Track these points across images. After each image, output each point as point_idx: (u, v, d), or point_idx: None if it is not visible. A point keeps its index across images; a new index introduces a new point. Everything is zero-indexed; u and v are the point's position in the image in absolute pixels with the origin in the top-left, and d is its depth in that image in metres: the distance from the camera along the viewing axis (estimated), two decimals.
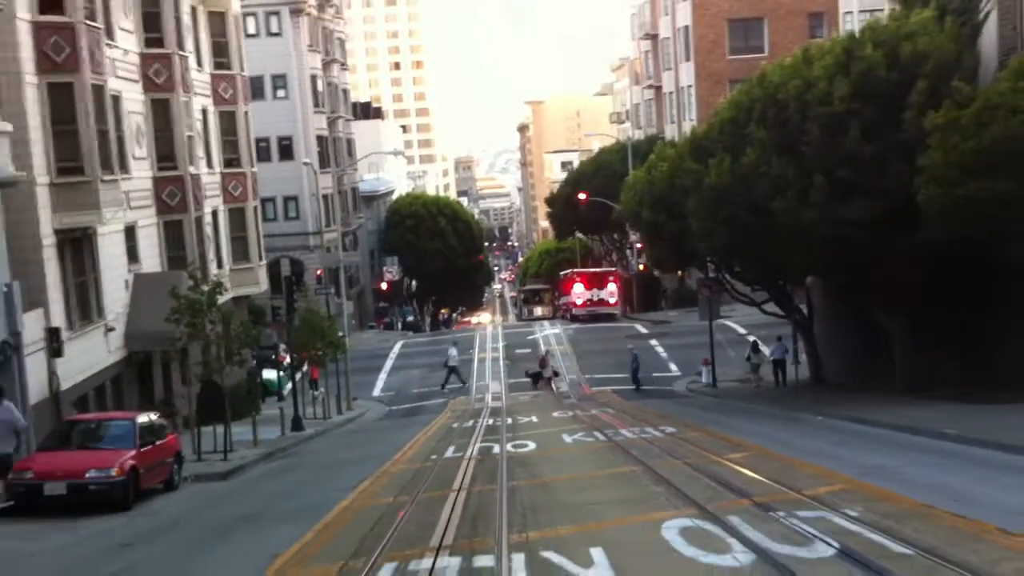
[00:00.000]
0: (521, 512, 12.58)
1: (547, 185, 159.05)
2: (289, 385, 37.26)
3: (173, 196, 33.50)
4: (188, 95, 34.56)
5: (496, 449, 21.14)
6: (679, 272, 62.75)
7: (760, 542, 9.82)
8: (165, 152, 33.34)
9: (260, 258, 42.95)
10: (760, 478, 14.12)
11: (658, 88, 76.29)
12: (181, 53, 33.96)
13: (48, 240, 25.09)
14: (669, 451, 18.64)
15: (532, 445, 21.70)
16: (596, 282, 65.23)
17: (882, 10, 42.44)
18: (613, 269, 70.27)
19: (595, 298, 64.21)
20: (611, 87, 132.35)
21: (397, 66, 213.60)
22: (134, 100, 31.53)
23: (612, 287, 65.11)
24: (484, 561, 9.91)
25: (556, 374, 43.81)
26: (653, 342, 52.86)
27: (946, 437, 18.59)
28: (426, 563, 9.90)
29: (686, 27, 66.34)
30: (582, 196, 67.42)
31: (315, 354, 38.27)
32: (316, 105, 65.19)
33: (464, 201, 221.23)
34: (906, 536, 9.81)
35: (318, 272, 61.72)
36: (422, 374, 49.75)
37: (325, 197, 65.44)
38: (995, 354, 26.75)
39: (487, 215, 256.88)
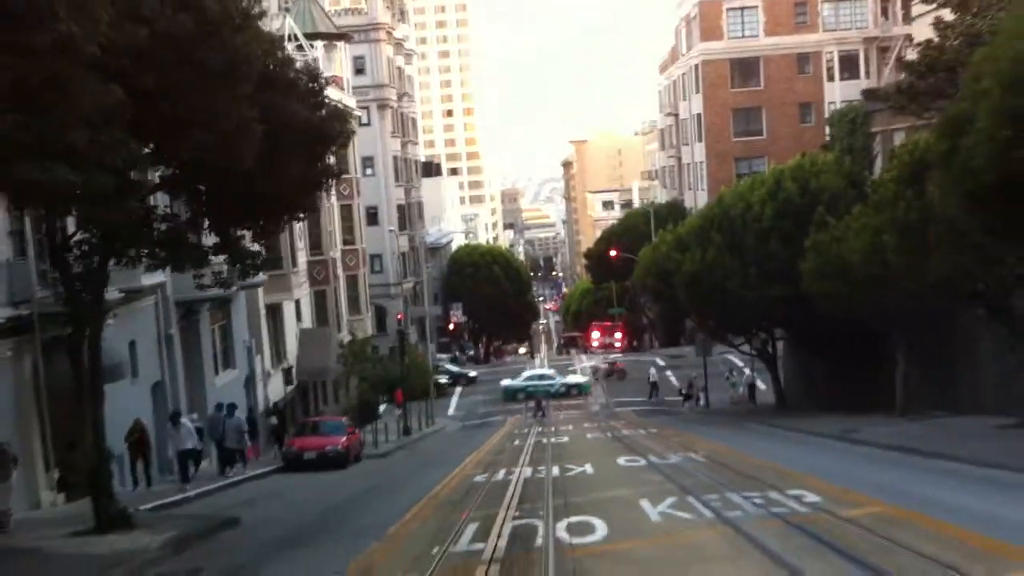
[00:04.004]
0: (557, 457, 27.00)
1: (590, 222, 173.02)
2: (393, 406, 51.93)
3: (320, 273, 48.51)
4: (330, 201, 49.65)
5: (545, 440, 35.46)
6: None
7: (653, 459, 24.15)
8: (315, 243, 48.37)
9: (368, 310, 57.99)
10: (677, 446, 28.43)
11: (679, 158, 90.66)
12: None
13: (263, 312, 40.09)
14: (644, 438, 32.96)
15: (566, 438, 36.05)
16: (607, 331, 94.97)
17: (857, 101, 56.54)
18: (620, 323, 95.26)
19: (606, 341, 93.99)
20: (651, 126, 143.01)
21: (450, 113, 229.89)
22: None
23: (618, 335, 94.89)
24: (541, 468, 24.28)
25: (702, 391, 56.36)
26: (668, 372, 67.11)
27: (801, 431, 32.71)
28: (517, 470, 24.28)
29: (699, 114, 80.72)
30: (612, 253, 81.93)
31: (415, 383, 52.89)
32: (396, 179, 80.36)
33: (510, 233, 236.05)
34: (718, 460, 23.96)
35: (399, 316, 76.53)
36: (486, 398, 64.42)
37: (403, 254, 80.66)
38: (879, 385, 40.78)
39: (532, 245, 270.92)
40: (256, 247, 18.25)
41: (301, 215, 18.06)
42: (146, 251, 15.87)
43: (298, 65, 17.18)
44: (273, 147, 15.19)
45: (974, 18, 30.83)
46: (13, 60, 9.46)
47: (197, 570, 13.85)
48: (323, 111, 16.94)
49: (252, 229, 17.21)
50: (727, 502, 15.25)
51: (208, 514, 20.04)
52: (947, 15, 33.64)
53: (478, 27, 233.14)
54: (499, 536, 13.55)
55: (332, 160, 18.03)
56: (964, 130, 18.17)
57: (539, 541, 13.10)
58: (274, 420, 31.29)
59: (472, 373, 75.66)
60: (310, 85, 16.68)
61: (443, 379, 68.55)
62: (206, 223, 16.93)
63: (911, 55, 49.43)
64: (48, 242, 16.10)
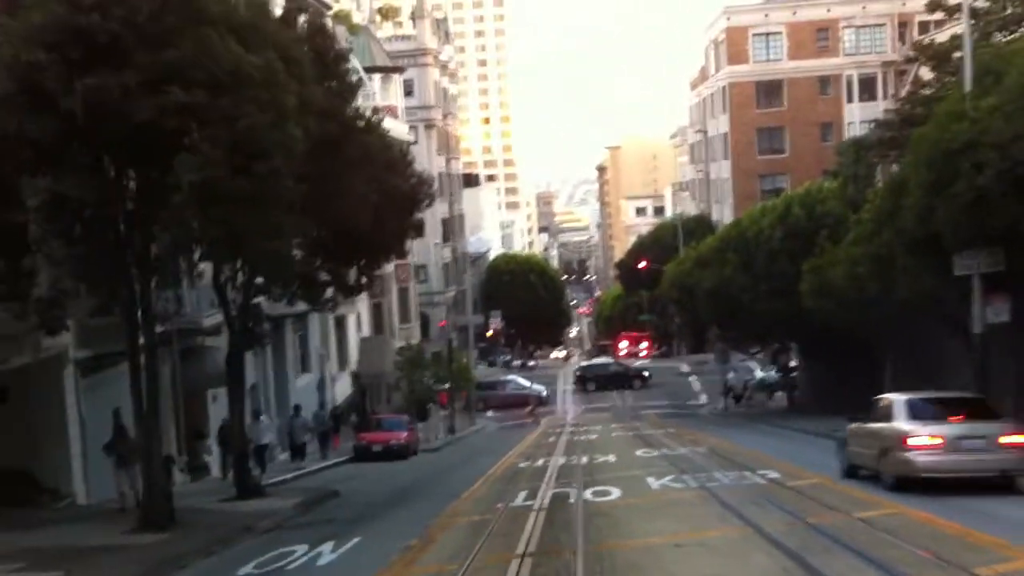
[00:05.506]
0: (586, 450, 32.40)
1: (623, 227, 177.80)
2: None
3: (377, 287, 54.11)
4: None
5: (576, 438, 40.80)
6: None
7: (664, 451, 29.49)
8: None
9: (416, 318, 63.69)
10: (677, 437, 33.72)
11: (707, 173, 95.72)
12: None
13: (332, 323, 45.78)
14: (661, 436, 38.21)
15: (595, 436, 41.39)
16: (634, 341, 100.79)
17: (876, 121, 61.25)
18: (647, 333, 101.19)
19: (633, 350, 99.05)
20: (682, 137, 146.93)
21: (487, 121, 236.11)
22: None
23: (644, 344, 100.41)
24: (573, 457, 29.65)
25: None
26: (692, 378, 72.39)
27: (799, 430, 37.90)
28: (553, 458, 29.66)
29: (725, 133, 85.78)
30: (641, 265, 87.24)
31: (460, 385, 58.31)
32: (440, 194, 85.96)
33: (544, 237, 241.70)
34: (717, 452, 29.19)
35: (440, 323, 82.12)
36: None
37: (445, 264, 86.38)
38: (875, 390, 45.84)
39: (566, 248, 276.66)
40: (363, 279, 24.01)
41: (395, 257, 23.69)
42: (287, 288, 21.64)
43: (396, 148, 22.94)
44: (380, 210, 20.83)
45: (952, 76, 35.66)
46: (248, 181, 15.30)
47: (331, 519, 19.39)
48: (414, 180, 22.72)
49: (360, 269, 22.93)
50: (710, 477, 20.68)
51: (315, 487, 25.67)
52: (926, 72, 38.65)
53: (514, 35, 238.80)
54: (544, 497, 19.10)
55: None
56: (904, 192, 23.47)
57: (572, 500, 18.62)
58: (354, 418, 36.93)
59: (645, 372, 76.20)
60: (405, 161, 22.47)
61: (646, 372, 73.16)
62: (319, 263, 22.64)
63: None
64: (216, 286, 21.81)
